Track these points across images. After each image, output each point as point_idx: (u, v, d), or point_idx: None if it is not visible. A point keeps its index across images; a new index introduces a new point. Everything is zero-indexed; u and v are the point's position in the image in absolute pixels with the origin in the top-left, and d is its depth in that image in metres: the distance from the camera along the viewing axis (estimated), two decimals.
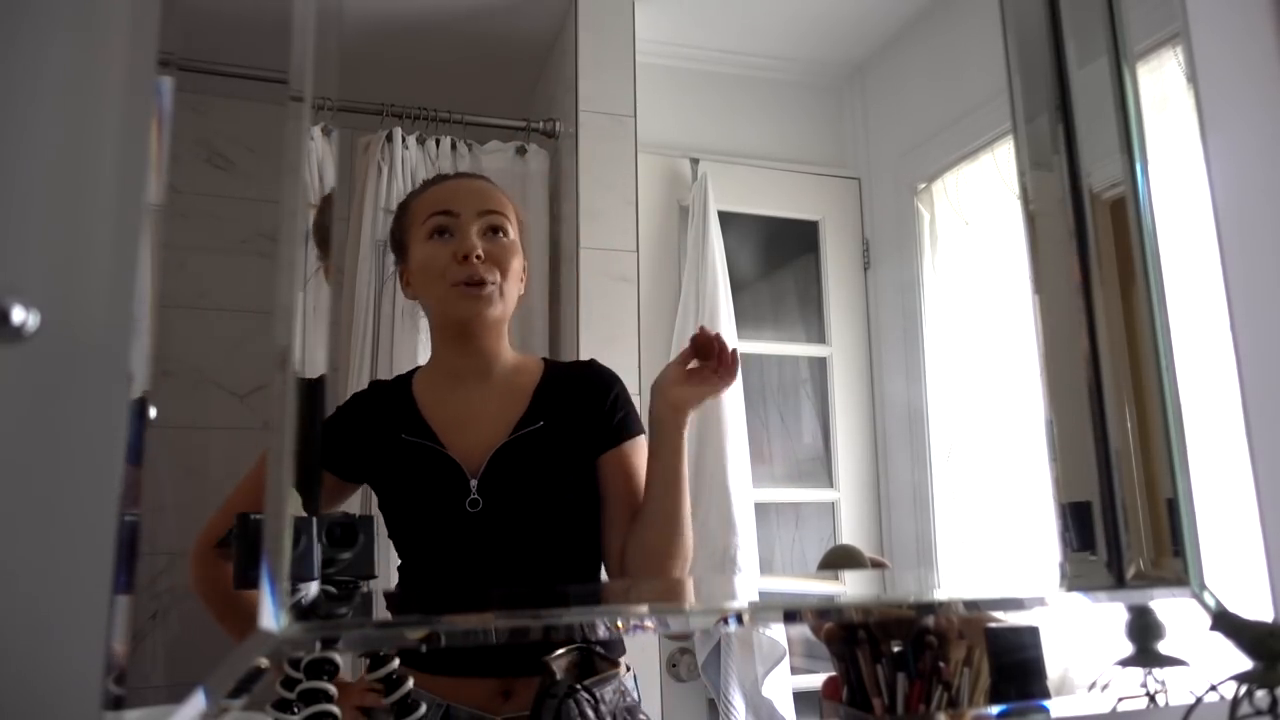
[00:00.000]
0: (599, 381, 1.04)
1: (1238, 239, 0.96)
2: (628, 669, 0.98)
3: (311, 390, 0.67)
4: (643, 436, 1.02)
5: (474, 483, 0.95)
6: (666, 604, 0.96)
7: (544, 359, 1.09)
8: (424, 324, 1.40)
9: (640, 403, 1.07)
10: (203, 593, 0.89)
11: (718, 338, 0.96)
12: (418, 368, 1.08)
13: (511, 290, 1.02)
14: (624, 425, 1.02)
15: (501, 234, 1.02)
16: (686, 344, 0.97)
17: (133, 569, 0.58)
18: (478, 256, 0.98)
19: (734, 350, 0.95)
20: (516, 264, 1.02)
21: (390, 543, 0.98)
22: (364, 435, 0.99)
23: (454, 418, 0.99)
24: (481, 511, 0.94)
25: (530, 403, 1.00)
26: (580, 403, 1.02)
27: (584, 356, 1.34)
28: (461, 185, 1.07)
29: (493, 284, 0.99)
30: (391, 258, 1.43)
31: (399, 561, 0.99)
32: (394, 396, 1.03)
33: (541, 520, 0.98)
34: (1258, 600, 0.91)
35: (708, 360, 0.96)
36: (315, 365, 0.69)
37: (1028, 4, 1.01)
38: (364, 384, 1.35)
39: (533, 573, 0.96)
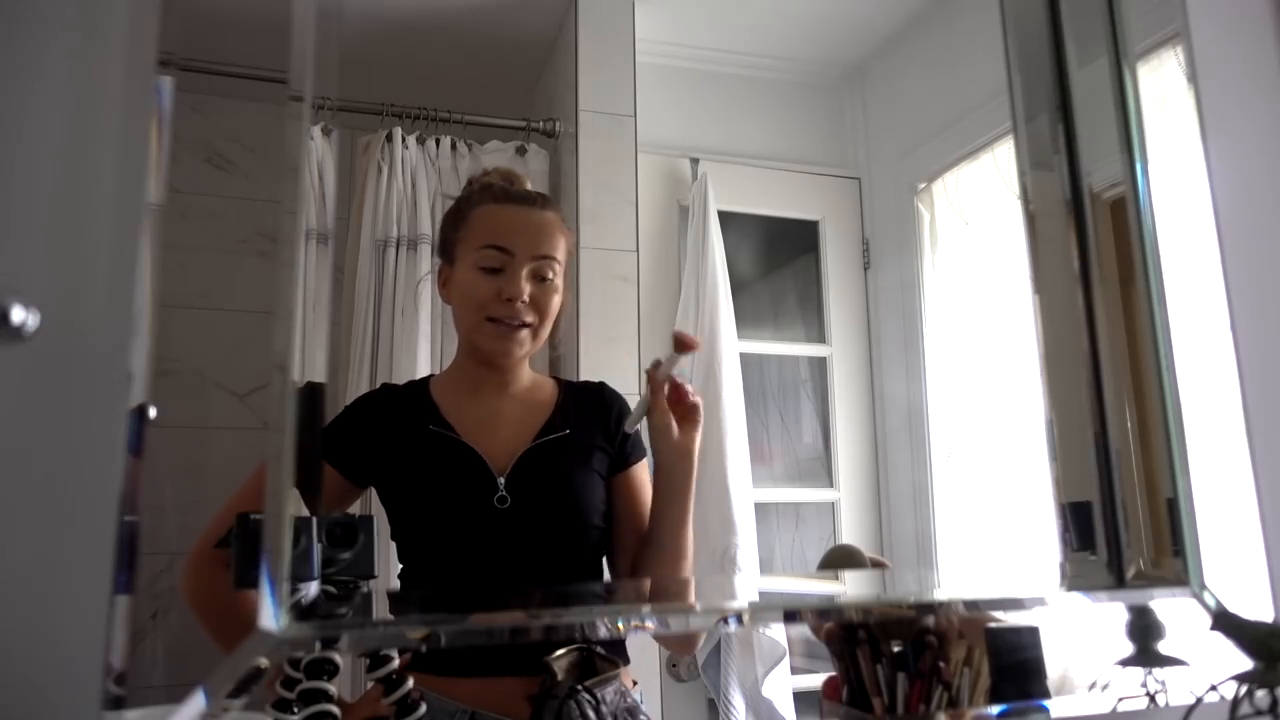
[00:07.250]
0: (607, 402, 1.07)
1: (1238, 239, 0.96)
2: (634, 683, 0.99)
3: (312, 391, 0.67)
4: (645, 461, 1.04)
5: (501, 480, 0.96)
6: (667, 604, 0.96)
7: (556, 378, 1.10)
8: (424, 327, 1.41)
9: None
10: (195, 600, 0.87)
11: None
12: (431, 375, 1.08)
13: (545, 330, 1.03)
14: (633, 449, 1.05)
15: (549, 278, 1.02)
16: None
17: (133, 569, 0.58)
18: (523, 301, 0.99)
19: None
20: (556, 303, 1.03)
21: (390, 543, 0.98)
22: (377, 435, 0.99)
23: (477, 420, 1.00)
24: (509, 509, 0.95)
25: (552, 412, 1.03)
26: (594, 420, 1.05)
27: (584, 356, 1.35)
28: (522, 220, 1.04)
29: (529, 326, 1.00)
30: (391, 258, 1.44)
31: (399, 566, 0.98)
32: (411, 398, 1.03)
33: (566, 521, 0.99)
34: (1258, 600, 0.91)
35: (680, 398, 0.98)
36: (315, 366, 0.69)
37: (1028, 4, 1.01)
38: (364, 384, 1.35)
39: (554, 572, 0.98)
